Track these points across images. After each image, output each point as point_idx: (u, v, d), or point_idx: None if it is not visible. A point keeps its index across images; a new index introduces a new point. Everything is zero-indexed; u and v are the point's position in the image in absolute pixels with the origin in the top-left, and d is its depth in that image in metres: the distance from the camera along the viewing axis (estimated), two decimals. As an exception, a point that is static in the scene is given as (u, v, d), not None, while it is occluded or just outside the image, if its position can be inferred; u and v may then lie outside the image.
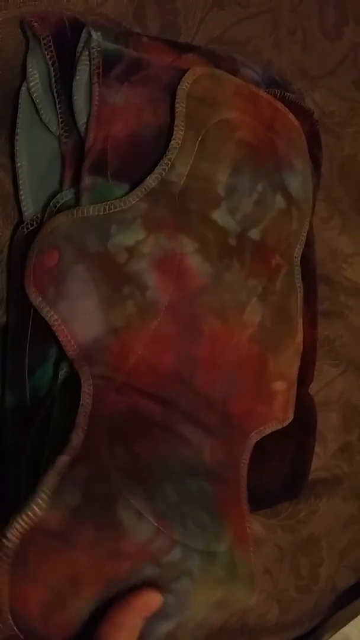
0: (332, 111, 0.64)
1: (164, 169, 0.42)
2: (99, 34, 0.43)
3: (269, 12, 0.58)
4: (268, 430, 0.47)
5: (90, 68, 0.42)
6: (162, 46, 0.45)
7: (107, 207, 0.41)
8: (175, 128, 0.42)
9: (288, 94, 0.50)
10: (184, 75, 0.44)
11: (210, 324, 0.43)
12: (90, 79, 0.42)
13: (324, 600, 0.66)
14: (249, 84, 0.47)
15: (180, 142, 0.42)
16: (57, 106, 0.43)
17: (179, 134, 0.42)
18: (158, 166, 0.42)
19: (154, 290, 0.41)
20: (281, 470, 0.51)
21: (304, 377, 0.53)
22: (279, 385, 0.48)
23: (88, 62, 0.42)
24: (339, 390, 0.65)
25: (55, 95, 0.43)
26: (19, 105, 0.43)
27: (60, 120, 0.43)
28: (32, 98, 0.43)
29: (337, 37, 0.65)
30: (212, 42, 0.54)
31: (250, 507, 0.52)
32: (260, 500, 0.52)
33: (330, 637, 0.64)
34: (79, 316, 0.40)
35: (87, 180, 0.41)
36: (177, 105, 0.43)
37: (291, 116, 0.49)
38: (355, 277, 0.68)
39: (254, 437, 0.46)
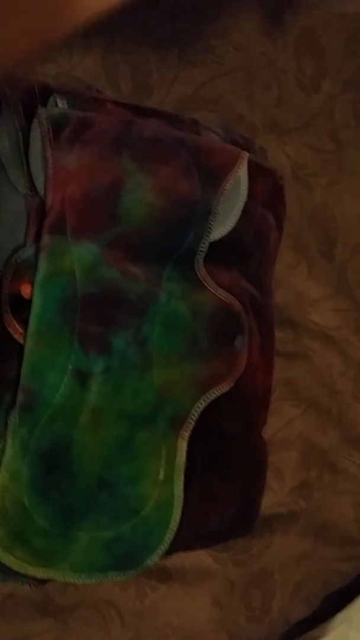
0: (304, 162, 0.67)
1: None
2: (64, 101, 0.46)
3: (244, 69, 0.61)
4: None
5: (41, 135, 0.44)
6: (125, 112, 0.48)
7: None
8: None
9: (250, 154, 0.52)
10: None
11: None
12: (43, 145, 0.44)
13: (276, 631, 0.69)
14: None
15: None
16: (24, 167, 0.46)
17: None
18: None
19: None
20: (228, 512, 0.53)
21: (255, 421, 0.56)
22: None
23: (39, 130, 0.45)
24: (298, 430, 0.68)
25: (23, 157, 0.46)
26: (-12, 165, 0.46)
27: (26, 180, 0.46)
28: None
29: (314, 90, 0.68)
30: (183, 100, 0.57)
31: (199, 545, 0.55)
32: (208, 538, 0.55)
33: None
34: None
35: (45, 239, 0.44)
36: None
37: None
38: (321, 320, 0.70)
39: None
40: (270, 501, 0.65)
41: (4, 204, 0.47)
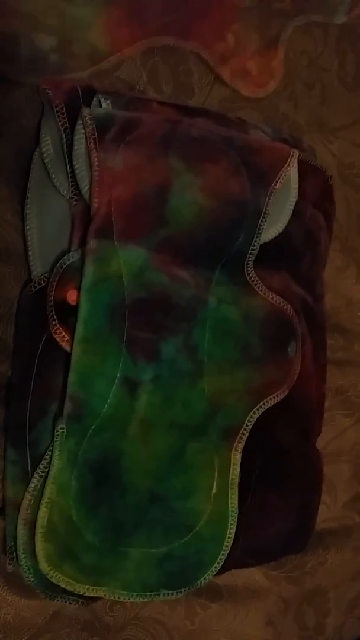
0: (351, 162, 0.64)
1: None
2: (108, 101, 0.45)
3: (284, 68, 0.59)
4: None
5: (85, 136, 0.43)
6: (171, 111, 0.47)
7: None
8: None
9: (300, 153, 0.50)
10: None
11: None
12: (87, 146, 0.43)
13: (331, 652, 0.65)
14: None
15: None
16: (68, 170, 0.44)
17: None
18: None
19: None
20: (284, 527, 0.51)
21: (310, 431, 0.53)
22: None
23: (83, 131, 0.43)
24: (351, 441, 0.65)
25: (66, 159, 0.44)
26: (31, 169, 0.45)
27: (70, 183, 0.44)
28: (44, 162, 0.45)
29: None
30: (225, 100, 0.55)
31: (254, 562, 0.52)
32: (263, 555, 0.52)
33: None
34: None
35: (92, 243, 0.43)
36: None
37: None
38: (371, 322, 0.67)
39: None
40: (323, 516, 0.62)
41: (47, 210, 0.46)
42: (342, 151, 0.63)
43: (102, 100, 0.45)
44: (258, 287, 0.47)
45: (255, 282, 0.47)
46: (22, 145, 0.46)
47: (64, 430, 0.42)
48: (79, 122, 0.44)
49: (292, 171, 0.48)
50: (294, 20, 0.57)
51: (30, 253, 0.45)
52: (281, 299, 0.48)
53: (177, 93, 0.52)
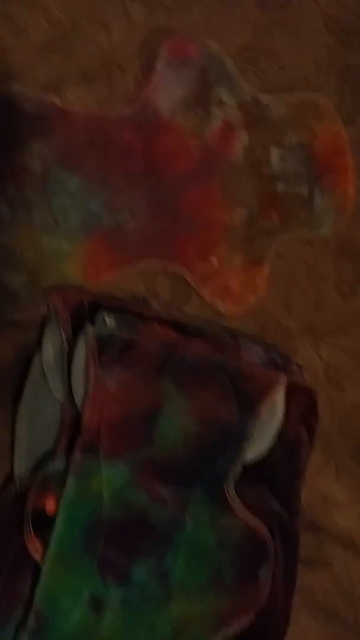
0: (337, 365, 0.67)
1: None
2: (111, 319, 0.48)
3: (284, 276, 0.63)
4: None
5: (86, 352, 0.45)
6: (170, 332, 0.50)
7: None
8: None
9: (288, 375, 0.53)
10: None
11: None
12: (87, 362, 0.45)
13: None
14: None
15: None
16: (65, 379, 0.46)
17: None
18: None
19: None
20: None
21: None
22: None
23: (85, 346, 0.45)
24: (315, 646, 0.63)
25: (65, 367, 0.47)
26: (30, 372, 0.47)
27: (65, 391, 0.46)
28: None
29: (352, 295, 0.69)
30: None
31: None
32: None
33: None
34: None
35: (77, 457, 0.45)
36: None
37: None
38: (346, 522, 0.67)
39: None
40: None
41: (38, 410, 0.48)
42: (329, 356, 0.66)
43: (106, 317, 0.48)
44: (235, 507, 0.48)
45: (233, 501, 0.48)
46: (23, 346, 0.48)
47: None
48: (82, 336, 0.46)
49: (278, 397, 0.51)
50: (279, 236, 0.59)
51: (16, 453, 0.47)
52: (257, 521, 0.49)
53: (175, 298, 0.55)
